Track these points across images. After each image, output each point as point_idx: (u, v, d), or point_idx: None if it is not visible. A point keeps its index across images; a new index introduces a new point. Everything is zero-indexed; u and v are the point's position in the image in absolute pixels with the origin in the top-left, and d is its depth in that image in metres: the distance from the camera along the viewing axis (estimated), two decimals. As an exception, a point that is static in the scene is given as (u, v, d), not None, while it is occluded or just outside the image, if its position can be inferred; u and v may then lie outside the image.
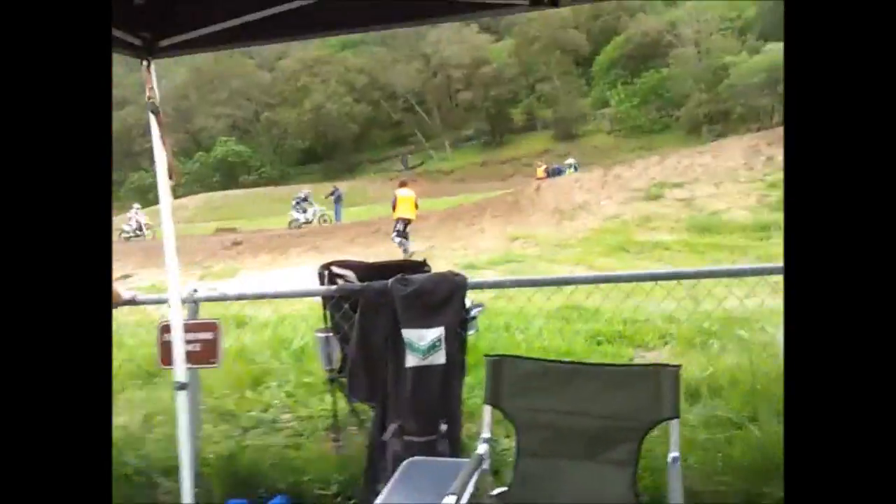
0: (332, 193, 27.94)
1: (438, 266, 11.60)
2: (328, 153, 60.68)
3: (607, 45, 55.67)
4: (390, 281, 2.71)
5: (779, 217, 12.36)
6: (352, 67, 62.89)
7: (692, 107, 44.50)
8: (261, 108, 63.32)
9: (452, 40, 57.96)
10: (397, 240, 14.44)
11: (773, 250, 10.79)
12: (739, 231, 12.09)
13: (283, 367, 4.24)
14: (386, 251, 13.89)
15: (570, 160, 26.42)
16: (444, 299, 2.69)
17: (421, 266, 2.98)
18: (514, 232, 15.00)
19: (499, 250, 13.68)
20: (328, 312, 2.89)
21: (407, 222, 14.54)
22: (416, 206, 14.92)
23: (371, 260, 3.65)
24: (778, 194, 13.51)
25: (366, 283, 2.78)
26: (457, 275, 2.80)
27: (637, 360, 4.81)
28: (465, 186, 42.79)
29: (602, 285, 3.99)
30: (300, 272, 13.52)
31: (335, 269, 2.96)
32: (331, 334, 2.95)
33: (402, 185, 15.38)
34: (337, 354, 2.99)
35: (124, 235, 25.24)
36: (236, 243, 18.35)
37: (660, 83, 48.44)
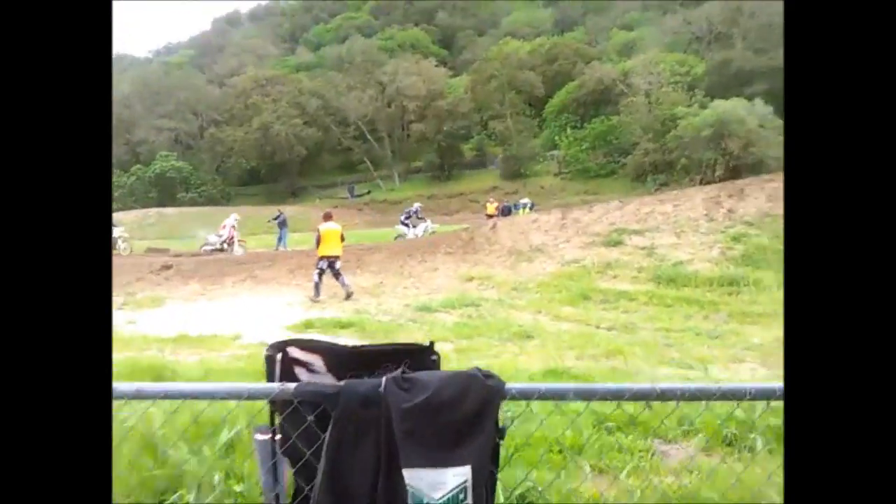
0: (276, 217, 26.12)
1: (390, 306, 10.37)
2: (272, 175, 58.87)
3: (561, 89, 56.44)
4: (384, 380, 1.68)
5: (745, 272, 11.90)
6: (305, 90, 61.71)
7: (639, 155, 45.12)
8: (206, 124, 61.19)
9: (410, 71, 57.70)
10: (316, 279, 12.67)
11: (744, 307, 10.24)
12: (706, 284, 11.53)
13: (205, 471, 2.93)
14: (331, 285, 12.76)
15: (525, 200, 25.84)
16: (471, 417, 1.66)
17: (425, 353, 1.97)
18: (469, 271, 14.12)
19: (453, 290, 12.74)
20: (279, 424, 1.88)
21: (332, 261, 12.92)
22: (343, 240, 13.31)
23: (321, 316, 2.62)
24: (742, 248, 13.12)
25: (344, 383, 1.76)
26: (488, 375, 1.74)
27: (659, 454, 3.90)
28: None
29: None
30: (233, 306, 12.21)
31: (294, 353, 1.95)
32: (278, 439, 1.94)
33: (327, 217, 13.44)
34: (287, 476, 1.98)
35: None
36: (166, 267, 16.79)
37: (609, 130, 49.15)
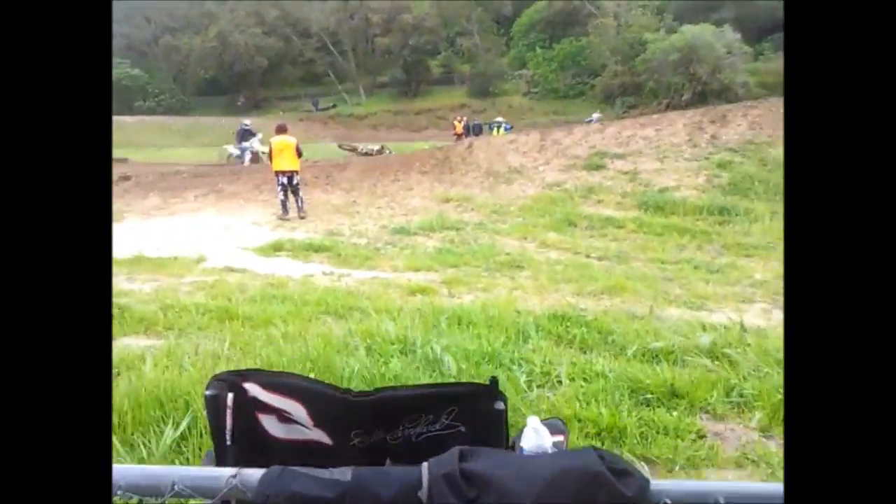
0: (243, 130, 23.48)
1: (364, 227, 9.39)
2: (233, 86, 55.51)
3: (529, 7, 53.89)
4: (425, 474, 0.81)
5: (735, 201, 11.21)
6: (263, -2, 57.55)
7: (608, 77, 43.76)
8: (160, 31, 56.79)
9: (373, -18, 54.13)
10: (281, 196, 11.52)
11: (738, 239, 9.56)
12: (695, 213, 10.80)
13: None
14: (306, 202, 11.63)
15: (500, 119, 24.45)
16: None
17: (483, 398, 1.02)
18: (447, 192, 13.12)
19: (431, 212, 11.78)
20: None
21: (290, 175, 11.59)
22: (300, 155, 11.85)
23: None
24: (728, 176, 12.40)
25: (352, 475, 0.79)
26: (619, 469, 0.86)
27: (711, 439, 3.12)
28: (379, 135, 40.28)
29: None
30: (195, 223, 10.99)
31: (254, 392, 0.97)
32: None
33: (280, 130, 11.99)
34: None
35: None
36: (125, 178, 15.32)
37: (578, 51, 47.39)
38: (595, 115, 28.66)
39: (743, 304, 6.50)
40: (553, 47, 49.87)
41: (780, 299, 6.52)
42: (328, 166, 16.33)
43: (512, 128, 23.36)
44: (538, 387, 3.72)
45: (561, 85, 47.26)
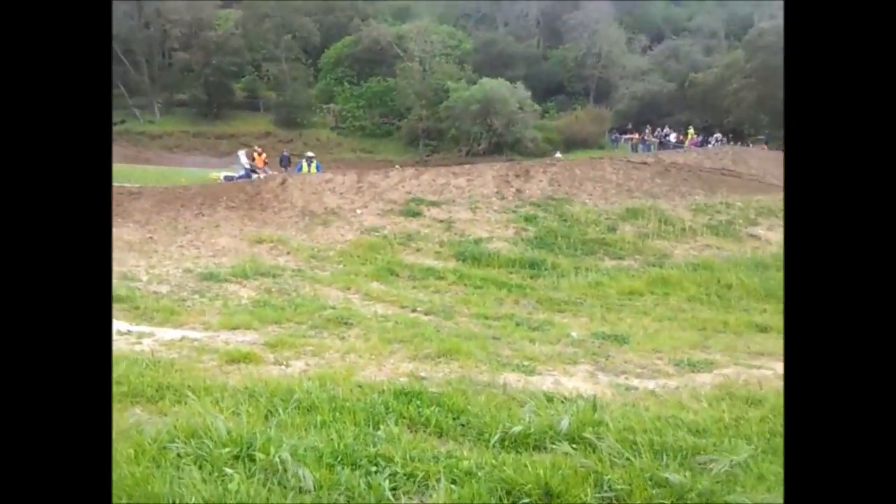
0: None
1: (165, 270, 8.29)
2: (-5, 86, 47.57)
3: (337, 41, 53.84)
4: None
5: (542, 255, 11.78)
6: (40, -8, 50.52)
7: (413, 120, 45.03)
8: None
9: (173, -7, 50.28)
10: None
11: (549, 293, 9.97)
12: (508, 265, 11.14)
13: None
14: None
15: (310, 154, 23.46)
16: None
17: None
18: (259, 233, 12.13)
19: (242, 254, 10.75)
20: None
21: None
22: None
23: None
24: (534, 230, 13.05)
25: None
26: None
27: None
28: (176, 158, 37.04)
29: None
30: None
31: None
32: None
33: None
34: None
35: None
36: None
37: (385, 91, 48.25)
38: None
39: (568, 365, 6.63)
40: (361, 84, 50.20)
41: (600, 360, 6.78)
42: (119, 193, 14.32)
43: (321, 167, 22.47)
44: (405, 494, 3.25)
45: (368, 123, 47.61)
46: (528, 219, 13.49)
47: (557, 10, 56.21)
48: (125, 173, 25.87)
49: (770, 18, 43.42)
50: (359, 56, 52.18)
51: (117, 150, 41.25)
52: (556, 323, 8.42)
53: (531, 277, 10.70)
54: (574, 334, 7.92)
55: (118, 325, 6.46)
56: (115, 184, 17.70)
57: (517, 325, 8.10)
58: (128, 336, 6.05)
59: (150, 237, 11.33)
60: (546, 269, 10.97)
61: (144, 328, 6.39)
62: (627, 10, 60.38)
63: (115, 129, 45.87)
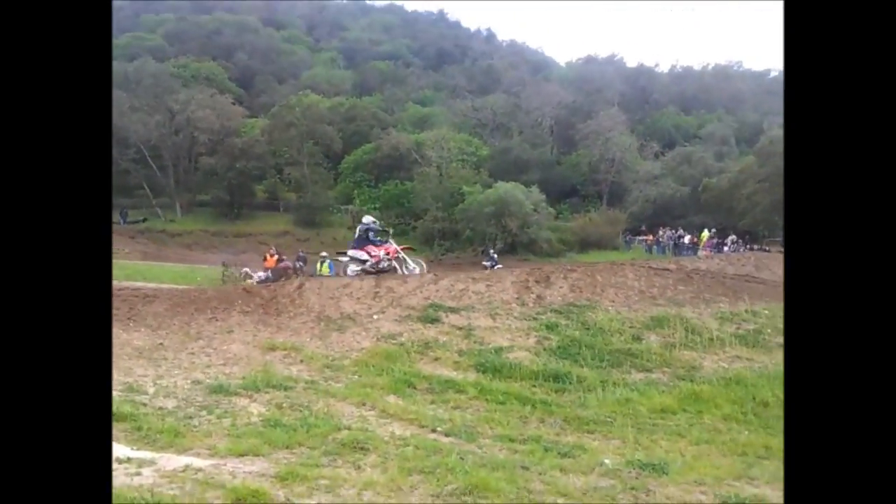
0: None
1: (173, 381, 7.89)
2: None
3: (358, 148, 55.77)
4: None
5: (566, 367, 11.19)
6: (80, 100, 53.32)
7: (429, 221, 45.63)
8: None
9: (204, 104, 52.87)
10: None
11: (577, 411, 9.32)
12: (531, 377, 10.54)
13: None
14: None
15: (324, 253, 23.52)
16: None
17: None
18: (272, 339, 11.72)
19: (254, 363, 10.30)
20: None
21: None
22: None
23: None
24: (557, 339, 12.52)
25: None
26: None
27: None
28: (194, 255, 37.38)
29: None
30: None
31: None
32: None
33: None
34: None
35: None
36: None
37: (402, 193, 49.33)
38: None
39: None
40: (379, 187, 51.43)
41: (640, 495, 6.11)
42: (132, 295, 14.12)
43: (333, 266, 22.37)
44: None
45: (386, 223, 48.29)
46: (549, 327, 12.99)
47: (571, 119, 58.22)
48: (143, 271, 25.99)
49: (780, 127, 44.46)
50: (378, 161, 53.85)
51: (137, 245, 41.84)
52: (587, 447, 7.75)
53: (556, 392, 10.07)
54: (608, 462, 7.24)
55: (118, 449, 5.95)
56: (130, 284, 17.56)
57: (546, 450, 7.44)
58: (127, 465, 5.53)
59: (161, 343, 10.95)
60: (571, 383, 10.35)
61: (146, 454, 5.88)
62: (639, 119, 62.40)
63: (136, 227, 46.82)
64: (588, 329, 12.96)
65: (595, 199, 53.30)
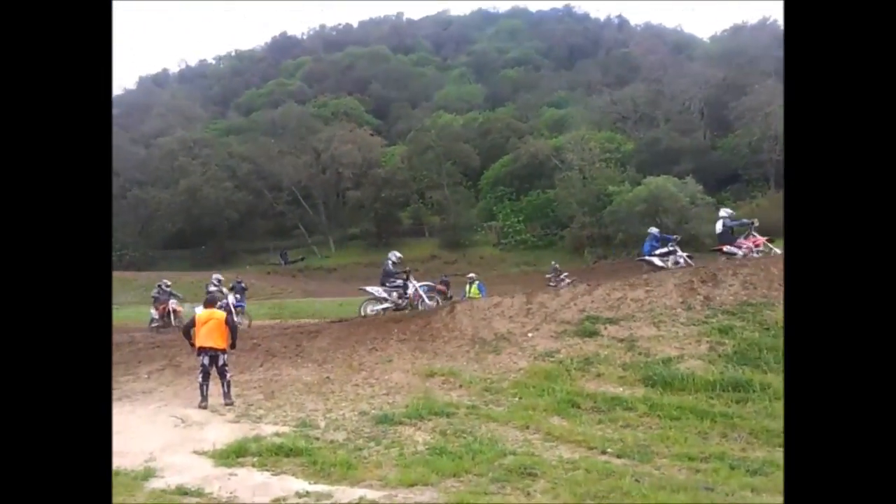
0: (234, 286, 21.19)
1: (341, 414, 8.28)
2: (200, 240, 55.29)
3: (495, 161, 56.31)
4: None
5: (747, 374, 10.40)
6: (235, 153, 59.20)
7: (576, 228, 44.84)
8: (129, 185, 57.34)
9: (345, 139, 56.36)
10: (200, 379, 10.19)
11: (764, 422, 8.63)
12: (707, 389, 9.93)
13: None
14: (277, 382, 10.47)
15: (472, 275, 23.88)
16: None
17: None
18: (430, 365, 12.10)
19: (415, 390, 10.69)
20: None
21: (213, 355, 10.29)
22: (231, 331, 10.64)
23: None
24: (732, 343, 11.70)
25: None
26: None
27: None
28: (351, 288, 39.67)
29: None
30: (145, 413, 9.46)
31: None
32: None
33: (209, 303, 11.05)
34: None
35: None
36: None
37: (546, 203, 48.94)
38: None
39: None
40: (521, 199, 51.47)
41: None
42: (298, 332, 15.30)
43: (484, 287, 22.58)
44: None
45: (530, 236, 48.18)
46: (722, 330, 12.17)
47: (722, 98, 54.51)
48: (304, 308, 28.08)
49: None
50: (517, 172, 54.02)
51: (298, 284, 45.14)
52: (780, 463, 7.13)
53: (737, 402, 9.39)
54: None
55: (295, 484, 6.46)
56: (295, 322, 19.04)
57: (731, 468, 6.97)
58: (306, 499, 5.98)
59: (328, 377, 11.72)
60: (754, 391, 9.59)
61: (322, 488, 6.32)
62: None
63: (296, 266, 50.63)
64: (768, 329, 11.97)
65: (761, 183, 49.12)
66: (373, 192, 52.83)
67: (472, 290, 22.29)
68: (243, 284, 22.19)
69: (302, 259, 52.45)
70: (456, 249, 48.92)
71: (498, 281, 33.35)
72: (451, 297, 20.72)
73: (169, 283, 22.28)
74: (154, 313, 20.61)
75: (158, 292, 20.98)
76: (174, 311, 20.30)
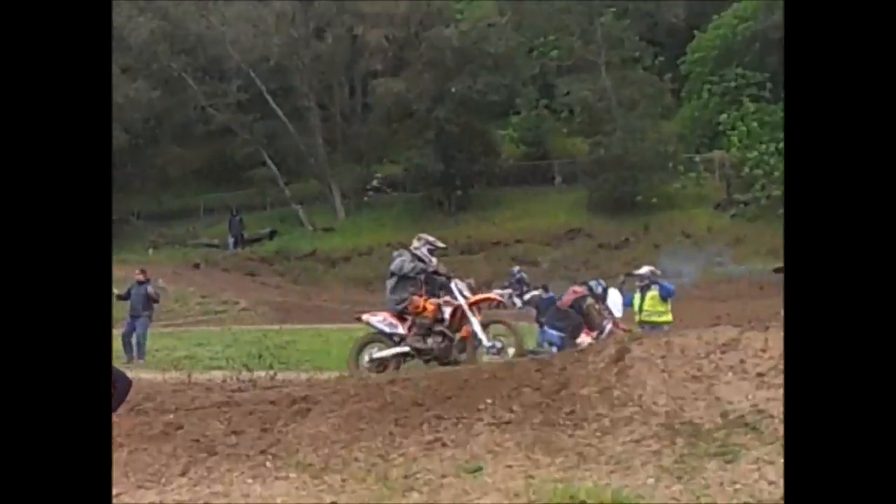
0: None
1: None
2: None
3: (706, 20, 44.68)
4: None
5: None
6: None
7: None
8: None
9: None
10: None
11: None
12: None
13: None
14: None
15: (646, 269, 13.37)
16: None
17: None
18: (567, 480, 4.93)
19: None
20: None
21: None
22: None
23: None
24: None
25: None
26: None
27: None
28: (378, 297, 32.05)
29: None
30: None
31: None
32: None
33: None
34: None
35: None
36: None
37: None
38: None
39: None
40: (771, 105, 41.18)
41: None
42: (265, 402, 8.53)
43: (671, 288, 12.90)
44: None
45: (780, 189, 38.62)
46: None
47: None
48: (281, 345, 19.21)
49: None
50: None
51: (260, 293, 27.89)
52: None
53: None
54: None
55: None
56: (254, 375, 9.85)
57: None
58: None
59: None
60: None
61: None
62: None
63: (259, 247, 35.06)
64: None
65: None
66: (436, 81, 25.37)
67: (649, 300, 12.73)
68: (149, 288, 13.26)
69: (271, 235, 28.34)
70: (628, 213, 26.06)
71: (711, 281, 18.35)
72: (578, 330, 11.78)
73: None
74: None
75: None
76: None
